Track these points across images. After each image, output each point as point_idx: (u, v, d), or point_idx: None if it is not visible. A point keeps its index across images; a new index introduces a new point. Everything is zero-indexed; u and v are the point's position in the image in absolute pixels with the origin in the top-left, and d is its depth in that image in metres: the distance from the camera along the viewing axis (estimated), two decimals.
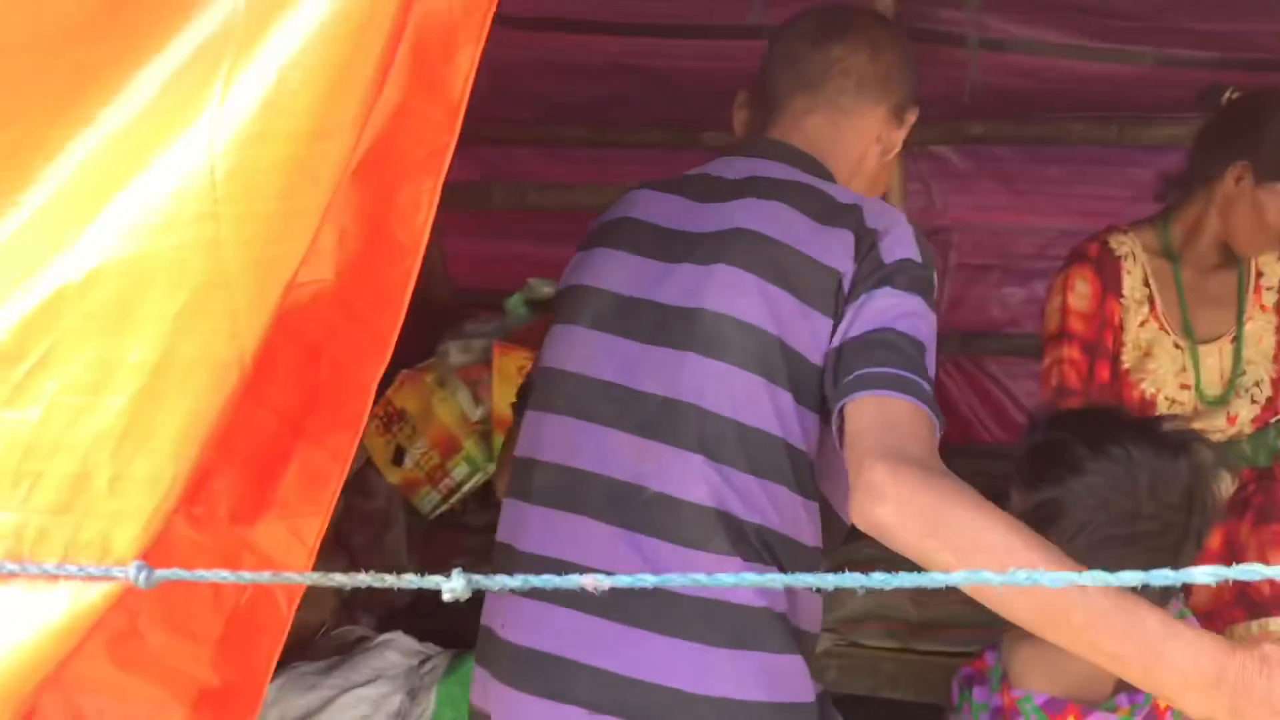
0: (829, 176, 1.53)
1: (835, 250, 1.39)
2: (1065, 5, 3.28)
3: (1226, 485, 2.31)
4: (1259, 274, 2.38)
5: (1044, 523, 1.39)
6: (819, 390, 1.38)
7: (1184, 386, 2.27)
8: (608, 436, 1.41)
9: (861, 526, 1.21)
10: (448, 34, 0.89)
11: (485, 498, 2.75)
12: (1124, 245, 2.34)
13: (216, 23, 0.77)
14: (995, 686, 1.65)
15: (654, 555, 1.35)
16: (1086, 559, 1.17)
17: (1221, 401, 2.30)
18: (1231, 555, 2.23)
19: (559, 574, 0.87)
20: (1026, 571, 0.55)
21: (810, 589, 1.36)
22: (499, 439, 2.51)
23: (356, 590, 2.45)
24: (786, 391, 1.37)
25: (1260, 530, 2.25)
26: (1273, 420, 2.36)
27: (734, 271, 1.40)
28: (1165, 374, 2.28)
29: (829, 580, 0.66)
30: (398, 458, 2.63)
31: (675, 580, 0.65)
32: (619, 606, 1.33)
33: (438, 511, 2.63)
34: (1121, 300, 2.32)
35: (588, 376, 1.45)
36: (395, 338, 0.95)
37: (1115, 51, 3.30)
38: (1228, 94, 2.29)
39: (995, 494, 3.30)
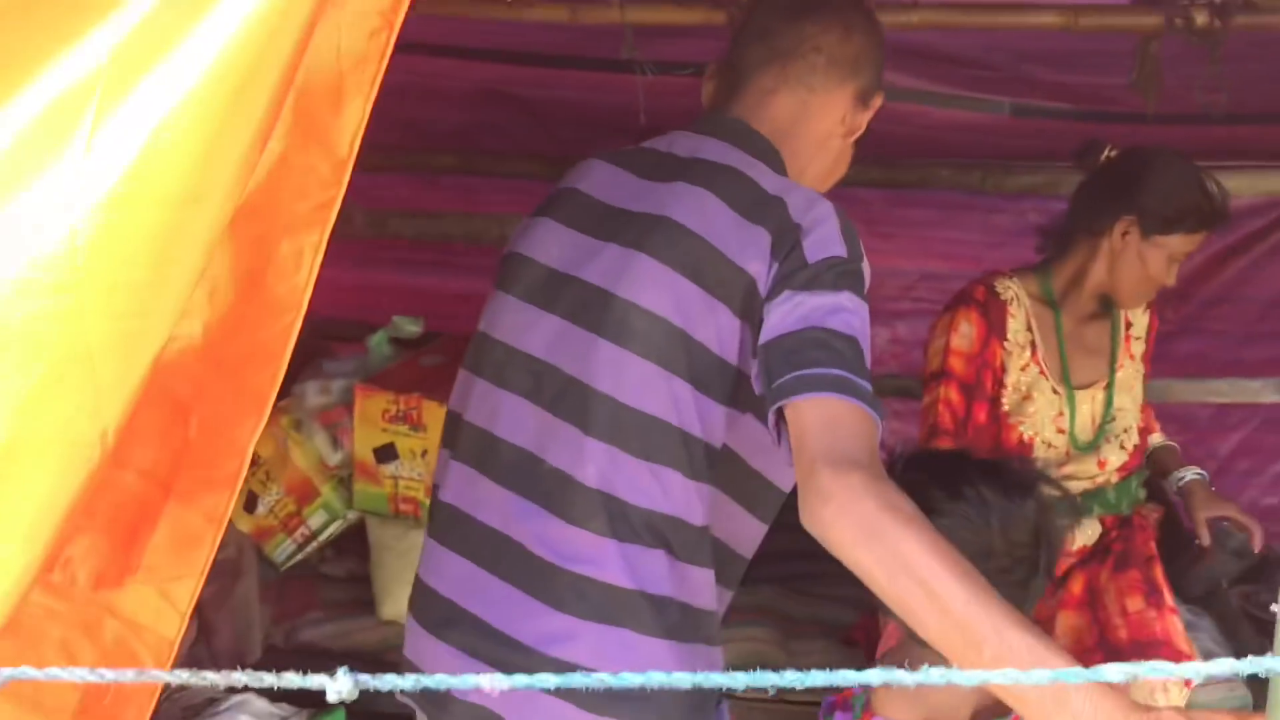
0: (775, 158, 1.54)
1: (750, 251, 1.41)
2: (930, 54, 3.37)
3: (1089, 531, 2.37)
4: (1128, 324, 2.47)
5: None
6: (726, 382, 1.43)
7: (1060, 431, 2.33)
8: (520, 406, 1.49)
9: (807, 527, 1.24)
10: (335, 86, 0.84)
11: (344, 546, 2.63)
12: (1010, 290, 2.40)
13: (81, 72, 0.68)
14: (858, 714, 1.65)
15: (541, 527, 1.45)
16: None
17: (1092, 447, 2.37)
18: (1092, 598, 2.29)
19: (466, 525, 1.33)
20: (1014, 671, 0.51)
21: (699, 564, 1.47)
22: (361, 486, 2.40)
23: (208, 642, 2.31)
24: (686, 382, 1.42)
25: (1119, 576, 2.31)
26: (1136, 469, 2.44)
27: (650, 262, 1.44)
28: (1043, 418, 2.33)
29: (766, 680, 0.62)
30: (250, 504, 2.49)
31: (609, 679, 0.60)
32: (507, 566, 1.47)
33: (292, 561, 2.50)
34: (1005, 344, 2.37)
35: (512, 346, 1.52)
36: (274, 396, 0.90)
37: (976, 100, 3.40)
38: (1106, 151, 2.37)
39: None
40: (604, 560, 1.43)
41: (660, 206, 1.48)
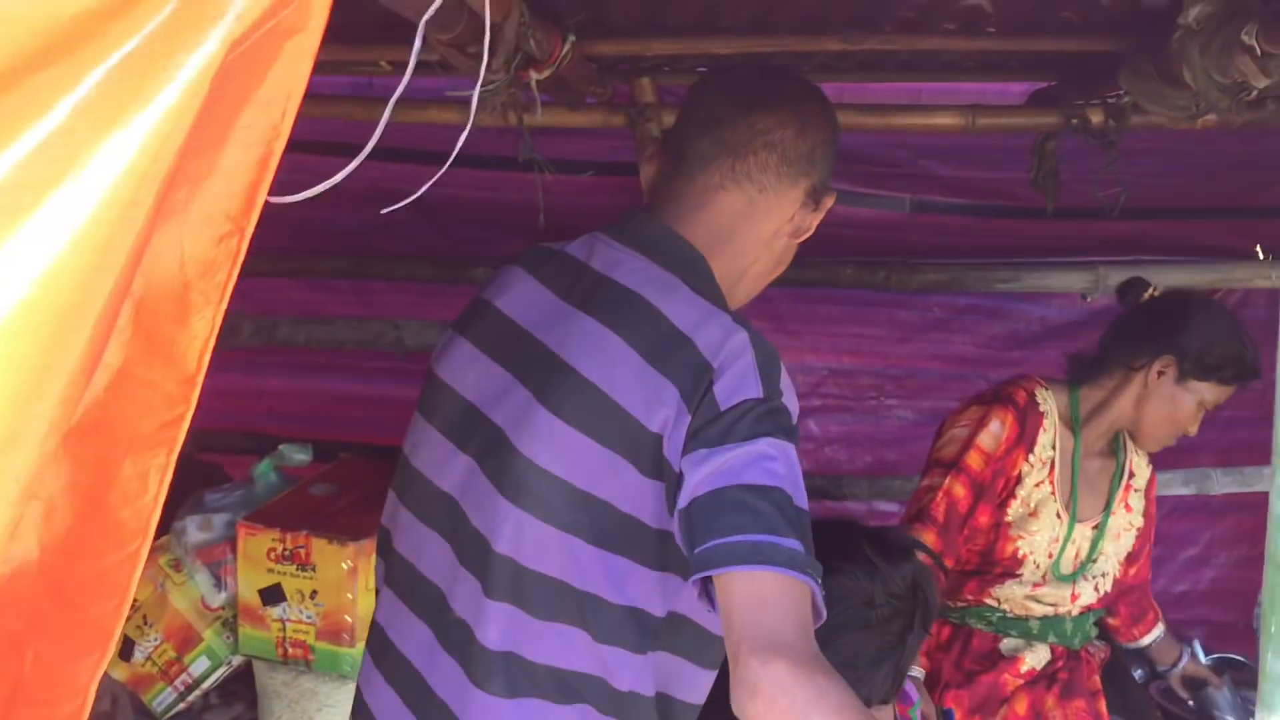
0: (699, 269, 1.43)
1: (656, 406, 1.31)
2: None
3: (1040, 655, 2.32)
4: (1130, 473, 2.42)
5: None
6: (648, 544, 1.34)
7: (1049, 556, 2.27)
8: (438, 544, 1.45)
9: (740, 712, 1.19)
10: (180, 296, 0.73)
11: (229, 691, 2.44)
12: (1048, 403, 2.32)
13: None
14: None
15: (451, 677, 1.40)
16: (830, 638, 1.32)
17: (1070, 580, 2.32)
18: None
19: (393, 654, 1.37)
20: None
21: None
22: (246, 629, 2.23)
23: None
24: (589, 544, 1.35)
25: (1065, 704, 2.28)
26: (1096, 610, 2.41)
27: (549, 418, 1.36)
28: (1042, 539, 2.26)
29: None
30: (126, 651, 2.29)
31: None
32: (424, 710, 1.44)
33: (173, 711, 2.30)
34: (1030, 457, 2.29)
35: (431, 481, 1.47)
36: (119, 630, 0.81)
37: (878, 197, 3.40)
38: (1150, 290, 2.37)
39: None
40: None
41: (563, 345, 1.40)
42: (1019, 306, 3.45)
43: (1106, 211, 3.11)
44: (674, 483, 1.30)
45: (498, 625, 1.37)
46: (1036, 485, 2.29)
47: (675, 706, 1.44)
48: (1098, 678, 2.38)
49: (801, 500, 1.28)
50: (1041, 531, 2.26)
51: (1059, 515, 2.31)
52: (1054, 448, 2.30)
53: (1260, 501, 3.59)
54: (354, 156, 3.48)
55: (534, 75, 1.87)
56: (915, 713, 2.00)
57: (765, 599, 1.19)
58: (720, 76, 1.65)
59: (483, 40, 1.37)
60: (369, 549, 2.15)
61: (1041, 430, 2.28)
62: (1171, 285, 3.29)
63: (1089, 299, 3.33)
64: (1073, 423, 2.33)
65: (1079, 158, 3.06)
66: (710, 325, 1.35)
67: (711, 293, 1.43)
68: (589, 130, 3.02)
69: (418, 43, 1.06)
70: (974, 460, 2.24)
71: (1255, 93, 1.75)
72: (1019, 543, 2.27)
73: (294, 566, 2.17)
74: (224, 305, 0.74)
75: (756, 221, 1.46)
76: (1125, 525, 2.41)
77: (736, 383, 1.29)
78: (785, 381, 1.35)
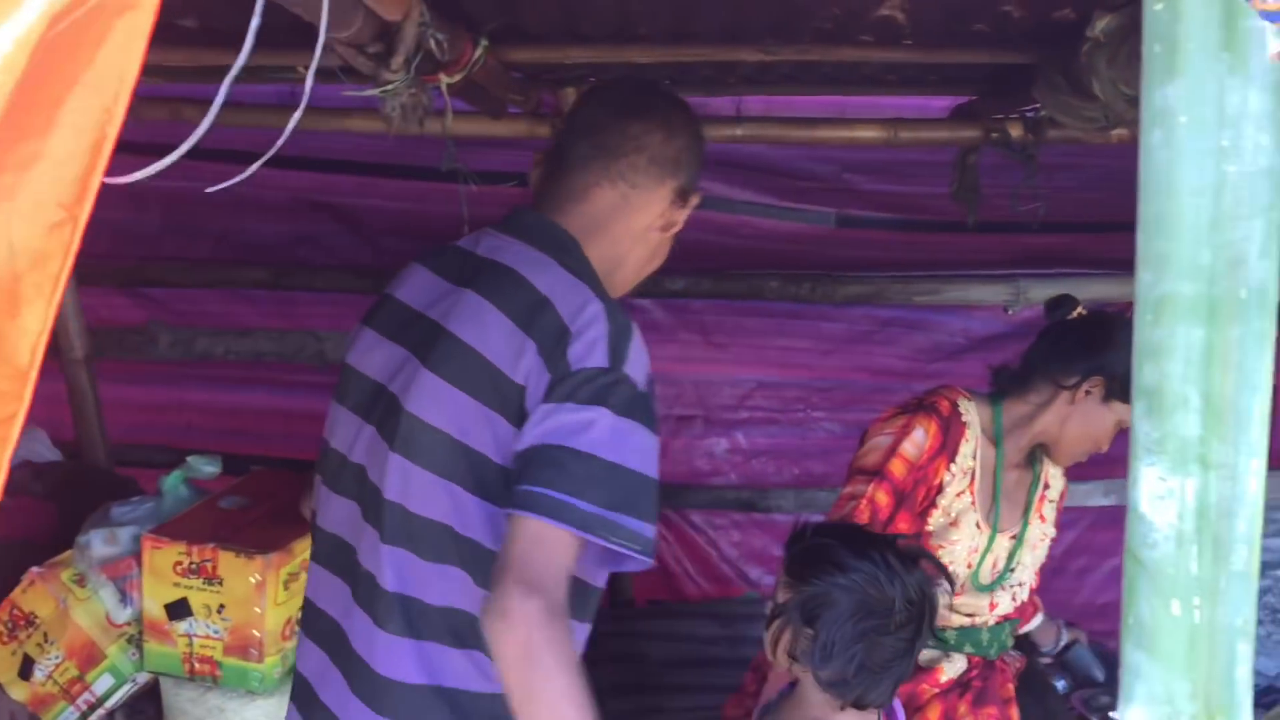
0: (571, 250, 1.59)
1: (521, 362, 1.46)
2: (757, 166, 3.38)
3: (957, 665, 2.31)
4: (1046, 484, 2.42)
5: (814, 612, 1.67)
6: (507, 490, 1.45)
7: (968, 566, 2.26)
8: (347, 508, 1.61)
9: (482, 623, 1.37)
10: (9, 289, 0.69)
11: (136, 710, 2.37)
12: (970, 413, 2.31)
13: None
14: None
15: (362, 624, 1.55)
16: (851, 643, 1.63)
17: (988, 590, 2.32)
18: None
19: (319, 616, 1.60)
20: None
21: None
22: (152, 645, 2.16)
23: None
24: (468, 491, 1.49)
25: (977, 711, 2.26)
26: (1012, 620, 2.40)
27: (431, 378, 1.52)
28: (961, 550, 2.23)
29: None
30: (25, 670, 2.21)
31: None
32: (343, 660, 1.59)
33: None
34: (951, 466, 2.28)
35: (344, 456, 1.63)
36: None
37: (803, 211, 3.42)
38: (1078, 310, 2.35)
39: (701, 660, 3.19)
40: (402, 661, 1.51)
41: (445, 316, 1.56)
42: (941, 319, 3.47)
43: (1027, 225, 3.16)
44: (522, 428, 1.45)
45: (393, 568, 1.51)
46: (957, 495, 2.29)
47: None
48: (1011, 686, 2.37)
49: (637, 466, 1.42)
50: (961, 542, 2.26)
51: (979, 526, 2.30)
52: (975, 458, 2.30)
53: None
54: (284, 167, 3.46)
55: (444, 79, 1.84)
56: None
57: (542, 548, 1.36)
58: (600, 88, 1.83)
59: (381, 40, 1.34)
60: (277, 563, 2.10)
61: (964, 440, 2.27)
62: (1092, 298, 3.35)
63: (1010, 311, 3.37)
64: (995, 435, 2.33)
65: (1000, 172, 3.10)
66: (572, 294, 1.51)
67: (581, 270, 1.57)
68: (514, 140, 3.00)
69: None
70: (897, 468, 2.23)
71: None
72: (939, 552, 2.26)
73: (200, 580, 2.11)
74: (58, 297, 0.70)
75: (629, 215, 1.63)
76: (1041, 535, 2.41)
77: (588, 348, 1.45)
78: (635, 355, 1.48)
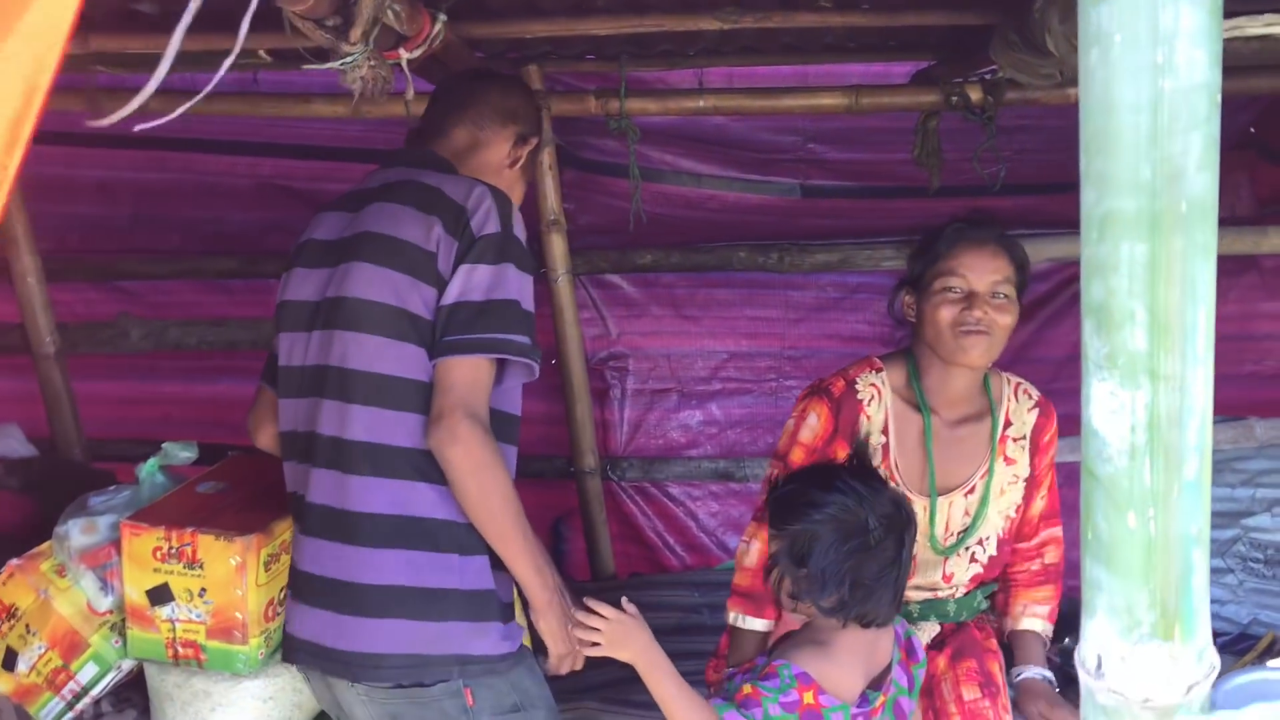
0: (447, 167, 1.99)
1: (429, 235, 1.83)
2: (722, 140, 3.40)
3: (927, 631, 2.25)
4: (1007, 423, 2.29)
5: (803, 550, 1.82)
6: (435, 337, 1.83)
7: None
8: (304, 404, 1.94)
9: (432, 447, 1.77)
10: None
11: (122, 697, 2.37)
12: (869, 389, 2.23)
13: None
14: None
15: (325, 478, 1.88)
16: (840, 566, 1.79)
17: (952, 552, 2.23)
18: (930, 684, 2.20)
19: (300, 504, 1.93)
20: None
21: None
22: (135, 632, 2.17)
23: None
24: (410, 344, 1.82)
25: (956, 665, 2.20)
26: (986, 582, 2.28)
27: (362, 265, 1.86)
28: None
29: None
30: (9, 662, 2.21)
31: None
32: (319, 526, 1.90)
33: None
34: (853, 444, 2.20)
35: (287, 365, 1.97)
36: None
37: (768, 183, 3.44)
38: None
39: (684, 627, 3.19)
40: (376, 497, 1.82)
41: (363, 225, 1.91)
42: None
43: (988, 187, 3.19)
44: (442, 288, 1.82)
45: (362, 423, 1.83)
46: None
47: None
48: (995, 641, 2.29)
49: (529, 306, 1.83)
50: None
51: (909, 497, 2.13)
52: (887, 431, 2.21)
53: None
54: (251, 154, 3.46)
55: (404, 54, 1.85)
56: (919, 671, 2.02)
57: (479, 381, 1.78)
58: (460, 71, 2.32)
59: (339, 14, 1.35)
60: (257, 544, 2.10)
61: (863, 417, 2.20)
62: (1053, 257, 3.39)
63: None
64: (917, 399, 2.23)
65: (962, 136, 3.13)
66: (459, 183, 1.90)
67: (459, 174, 1.98)
68: None
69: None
70: (797, 455, 2.21)
71: None
72: None
73: (181, 565, 2.11)
74: None
75: (483, 151, 2.05)
76: (1009, 479, 2.28)
77: (483, 219, 1.83)
78: (518, 219, 1.88)
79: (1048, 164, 3.33)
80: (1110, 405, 0.89)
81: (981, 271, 2.16)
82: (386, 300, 1.84)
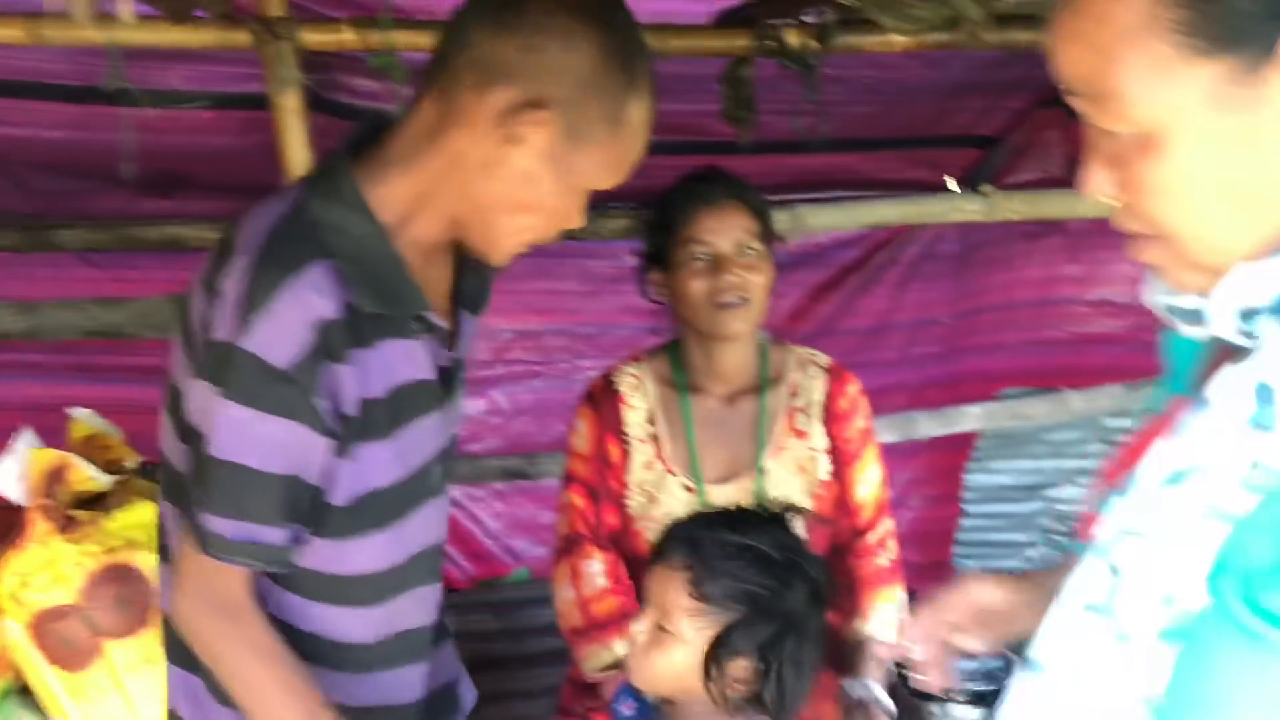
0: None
1: (194, 319, 1.44)
2: None
3: None
4: (792, 393, 2.13)
5: (740, 647, 1.47)
6: None
7: None
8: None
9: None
10: None
11: None
12: (629, 379, 2.13)
13: None
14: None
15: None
16: (799, 665, 1.48)
17: None
18: None
19: None
20: None
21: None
22: None
23: None
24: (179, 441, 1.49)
25: None
26: None
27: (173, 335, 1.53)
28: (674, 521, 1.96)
29: None
30: None
31: None
32: None
33: None
34: (623, 439, 2.09)
35: None
36: None
37: None
38: None
39: (487, 661, 2.78)
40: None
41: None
42: None
43: (806, 145, 2.90)
44: None
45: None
46: (646, 467, 2.09)
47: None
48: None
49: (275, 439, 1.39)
50: (670, 514, 1.96)
51: (687, 488, 2.08)
52: (653, 421, 2.12)
53: (952, 440, 3.60)
54: None
55: None
56: None
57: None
58: None
59: None
60: None
61: (625, 409, 2.11)
62: (874, 223, 3.15)
63: (787, 242, 3.12)
64: (677, 380, 2.15)
65: (766, 86, 2.83)
66: (245, 250, 1.46)
67: None
68: (202, 52, 2.46)
69: None
70: (579, 468, 2.12)
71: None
72: (647, 533, 2.04)
73: None
74: None
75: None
76: (807, 456, 2.12)
77: (220, 318, 1.41)
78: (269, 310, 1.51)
79: (856, 118, 3.08)
80: None
81: (723, 231, 2.10)
82: (176, 382, 1.55)
